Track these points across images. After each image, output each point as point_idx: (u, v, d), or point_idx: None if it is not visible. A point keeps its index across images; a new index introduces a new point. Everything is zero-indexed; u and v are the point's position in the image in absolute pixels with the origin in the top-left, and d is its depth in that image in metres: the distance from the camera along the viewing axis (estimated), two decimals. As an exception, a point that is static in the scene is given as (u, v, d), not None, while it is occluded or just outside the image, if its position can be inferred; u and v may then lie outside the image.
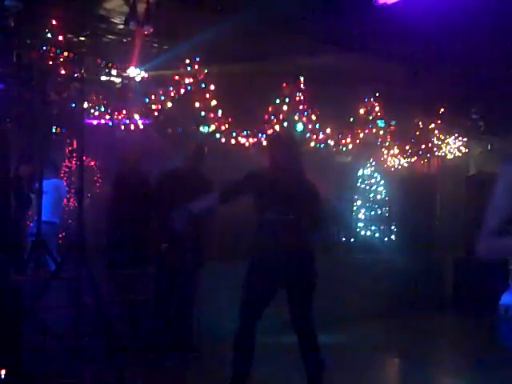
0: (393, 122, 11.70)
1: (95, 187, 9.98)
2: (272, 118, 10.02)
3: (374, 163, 12.19)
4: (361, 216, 12.14)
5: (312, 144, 10.61)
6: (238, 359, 5.19)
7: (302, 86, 10.24)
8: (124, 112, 8.88)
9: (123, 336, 6.66)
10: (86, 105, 7.84)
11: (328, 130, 10.70)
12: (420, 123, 12.36)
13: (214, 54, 8.71)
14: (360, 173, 12.18)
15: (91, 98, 8.36)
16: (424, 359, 7.72)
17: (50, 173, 8.34)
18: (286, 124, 10.02)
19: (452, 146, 13.00)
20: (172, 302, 7.07)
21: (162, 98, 8.78)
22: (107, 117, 8.82)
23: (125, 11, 7.97)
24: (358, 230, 12.07)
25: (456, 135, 12.97)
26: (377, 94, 11.29)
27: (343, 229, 11.86)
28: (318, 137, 10.63)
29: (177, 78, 8.89)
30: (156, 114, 8.83)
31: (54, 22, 7.54)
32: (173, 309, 7.08)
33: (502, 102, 11.31)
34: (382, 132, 11.64)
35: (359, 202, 12.17)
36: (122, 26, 8.19)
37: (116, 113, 8.83)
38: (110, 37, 8.57)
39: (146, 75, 8.53)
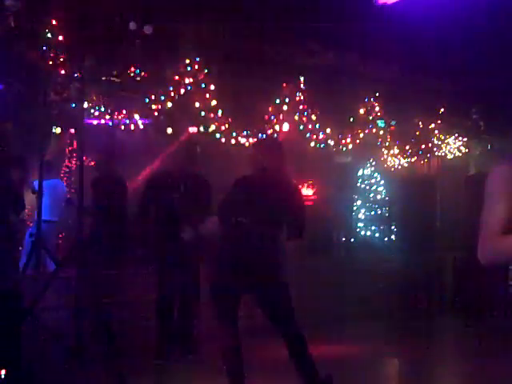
0: (393, 122, 11.69)
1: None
2: (272, 117, 10.03)
3: (374, 163, 12.18)
4: (361, 216, 12.14)
5: (312, 144, 10.62)
6: (230, 365, 5.14)
7: (302, 86, 10.24)
8: (124, 112, 8.88)
9: (123, 336, 6.66)
10: (86, 105, 7.84)
11: (328, 130, 10.71)
12: (420, 123, 12.35)
13: (213, 54, 8.71)
14: (360, 173, 12.18)
15: (91, 98, 8.36)
16: (424, 359, 7.71)
17: (47, 173, 8.33)
18: (285, 124, 10.03)
19: (452, 146, 12.98)
20: (174, 303, 7.07)
21: (162, 97, 8.79)
22: (107, 117, 8.83)
23: (125, 11, 7.97)
24: (358, 230, 12.07)
25: (456, 135, 12.96)
26: (377, 94, 11.29)
27: (343, 229, 11.86)
28: (318, 137, 10.64)
29: (177, 77, 8.89)
30: (156, 113, 8.83)
31: (54, 22, 7.54)
32: (175, 309, 7.08)
33: (502, 101, 11.30)
34: (382, 132, 11.63)
35: (359, 202, 12.17)
36: (121, 26, 8.19)
37: (116, 113, 8.83)
38: (109, 37, 8.56)
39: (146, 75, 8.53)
